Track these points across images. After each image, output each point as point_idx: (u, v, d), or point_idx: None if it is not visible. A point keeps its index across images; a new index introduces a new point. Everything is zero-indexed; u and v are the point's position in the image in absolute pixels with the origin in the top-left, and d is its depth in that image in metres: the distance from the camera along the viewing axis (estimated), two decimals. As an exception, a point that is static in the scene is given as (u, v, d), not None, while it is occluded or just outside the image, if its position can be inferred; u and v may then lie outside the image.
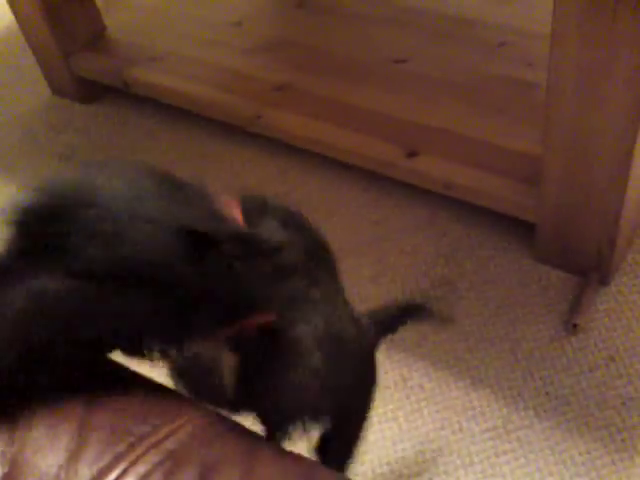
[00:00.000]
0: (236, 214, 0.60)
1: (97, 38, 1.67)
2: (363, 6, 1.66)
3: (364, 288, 1.28)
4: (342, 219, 1.41)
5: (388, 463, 1.07)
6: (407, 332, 1.20)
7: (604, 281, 1.21)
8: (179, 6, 1.74)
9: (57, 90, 1.75)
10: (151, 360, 0.51)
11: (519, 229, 1.30)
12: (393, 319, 0.94)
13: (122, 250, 0.44)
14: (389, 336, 0.92)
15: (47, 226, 0.44)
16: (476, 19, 1.57)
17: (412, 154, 1.31)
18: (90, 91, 1.71)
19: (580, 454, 1.04)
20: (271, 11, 1.74)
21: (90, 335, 0.46)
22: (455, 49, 1.51)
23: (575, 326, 1.16)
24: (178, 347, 0.51)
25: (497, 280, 1.25)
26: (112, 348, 0.50)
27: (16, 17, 1.64)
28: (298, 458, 0.54)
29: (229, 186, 1.51)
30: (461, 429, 1.09)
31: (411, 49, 1.53)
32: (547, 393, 1.11)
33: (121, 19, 1.73)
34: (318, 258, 0.66)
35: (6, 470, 0.42)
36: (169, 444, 0.47)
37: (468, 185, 1.26)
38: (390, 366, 1.17)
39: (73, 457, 0.44)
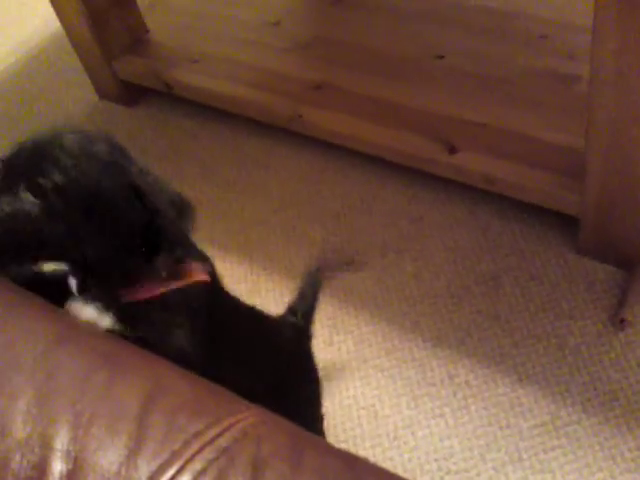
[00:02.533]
0: None
1: (139, 42, 1.70)
2: (400, 1, 1.66)
3: (407, 285, 1.28)
4: (381, 216, 1.41)
5: (436, 459, 1.08)
6: (453, 329, 1.20)
7: (651, 274, 1.20)
8: (219, 8, 1.76)
9: (102, 93, 1.79)
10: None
11: (561, 223, 1.29)
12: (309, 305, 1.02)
13: (79, 178, 0.62)
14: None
15: (25, 159, 0.63)
16: (516, 12, 1.55)
17: (453, 150, 1.31)
18: (133, 94, 1.74)
19: (629, 450, 1.03)
20: (308, 9, 1.75)
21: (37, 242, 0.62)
22: (495, 43, 1.50)
23: (622, 321, 1.14)
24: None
25: (542, 275, 1.24)
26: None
27: (62, 23, 1.67)
28: (342, 453, 0.54)
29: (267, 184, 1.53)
30: (509, 425, 1.09)
31: (450, 44, 1.52)
32: (595, 389, 1.10)
33: (162, 22, 1.75)
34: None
35: (70, 467, 0.43)
36: (222, 441, 0.48)
37: (509, 180, 1.25)
38: (436, 363, 1.17)
39: (132, 454, 0.45)
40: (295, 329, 0.98)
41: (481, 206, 1.37)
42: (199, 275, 0.69)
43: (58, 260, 0.65)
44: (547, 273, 1.25)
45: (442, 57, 1.49)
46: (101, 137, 0.68)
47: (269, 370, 0.87)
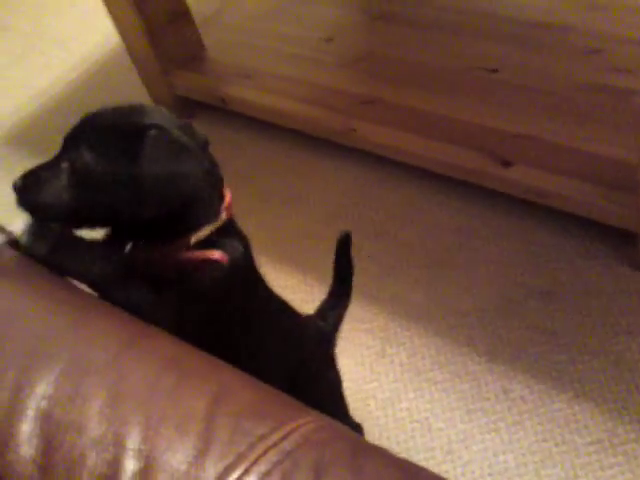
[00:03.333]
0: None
1: (196, 58, 1.74)
2: (451, 16, 1.67)
3: (459, 298, 1.28)
4: (426, 228, 1.41)
5: (490, 474, 1.07)
6: (507, 344, 1.19)
7: None
8: (272, 26, 1.79)
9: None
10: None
11: (614, 237, 1.27)
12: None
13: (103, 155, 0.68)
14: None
15: (70, 135, 0.70)
16: (568, 26, 1.54)
17: (506, 163, 1.30)
18: (189, 108, 1.78)
19: (691, 469, 1.01)
20: (360, 26, 1.77)
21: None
22: (547, 57, 1.49)
23: (683, 337, 1.12)
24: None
25: (597, 290, 1.23)
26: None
27: (122, 39, 1.72)
28: (404, 462, 0.55)
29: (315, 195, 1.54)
30: (564, 441, 1.07)
31: (502, 58, 1.52)
32: (654, 406, 1.08)
33: (218, 39, 1.79)
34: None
35: (142, 465, 0.45)
36: (286, 445, 0.49)
37: (562, 193, 1.24)
38: (491, 378, 1.16)
39: (200, 455, 0.46)
40: (320, 332, 0.99)
41: (528, 219, 1.37)
42: (209, 254, 0.71)
43: (100, 223, 0.72)
44: (602, 288, 1.23)
45: (495, 71, 1.49)
46: (140, 108, 0.73)
47: (284, 363, 0.88)
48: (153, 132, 0.68)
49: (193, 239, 0.71)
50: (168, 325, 0.63)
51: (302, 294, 1.36)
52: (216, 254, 0.71)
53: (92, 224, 0.71)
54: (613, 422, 1.08)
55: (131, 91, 1.88)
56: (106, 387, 0.48)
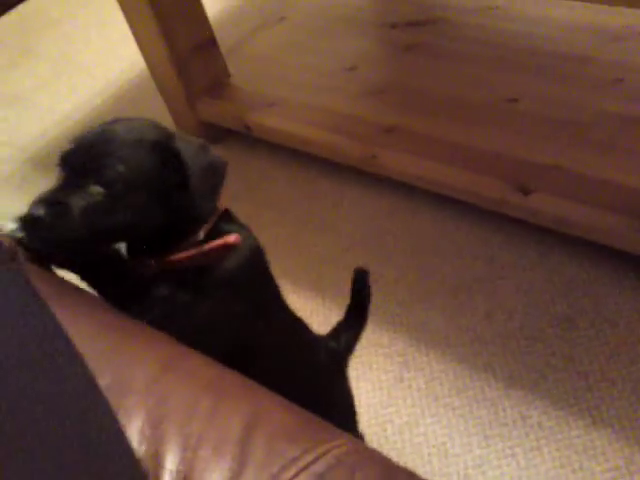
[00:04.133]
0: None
1: (221, 85, 1.78)
2: (474, 48, 1.70)
3: (479, 325, 1.29)
4: (452, 256, 1.43)
5: (508, 500, 1.08)
6: (526, 370, 1.21)
7: None
8: (296, 55, 1.83)
9: (185, 133, 1.86)
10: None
11: (635, 265, 1.29)
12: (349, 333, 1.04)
13: (135, 164, 0.69)
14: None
15: (88, 155, 0.70)
16: (589, 56, 1.57)
17: (526, 191, 1.32)
18: (214, 134, 1.81)
19: None
20: (382, 56, 1.80)
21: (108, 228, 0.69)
22: (568, 87, 1.51)
23: (700, 366, 1.13)
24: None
25: (617, 318, 1.24)
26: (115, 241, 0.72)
27: (148, 66, 1.76)
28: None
29: (339, 224, 1.56)
30: (582, 468, 1.08)
31: (522, 88, 1.54)
32: (671, 434, 1.09)
33: (243, 67, 1.83)
34: None
35: (180, 485, 0.47)
36: (317, 467, 0.51)
37: (582, 222, 1.26)
38: (508, 403, 1.18)
39: (235, 477, 0.49)
40: (331, 350, 0.99)
41: (554, 248, 1.38)
42: (227, 239, 0.73)
43: (124, 240, 0.73)
44: (622, 316, 1.24)
45: (515, 100, 1.52)
46: (149, 122, 0.76)
47: (296, 368, 0.90)
48: (171, 136, 0.73)
49: (202, 233, 0.73)
50: (197, 327, 0.66)
51: (320, 317, 1.39)
52: (231, 237, 0.74)
53: (113, 242, 0.73)
54: (630, 449, 1.09)
55: (156, 117, 1.91)
56: (146, 408, 0.51)
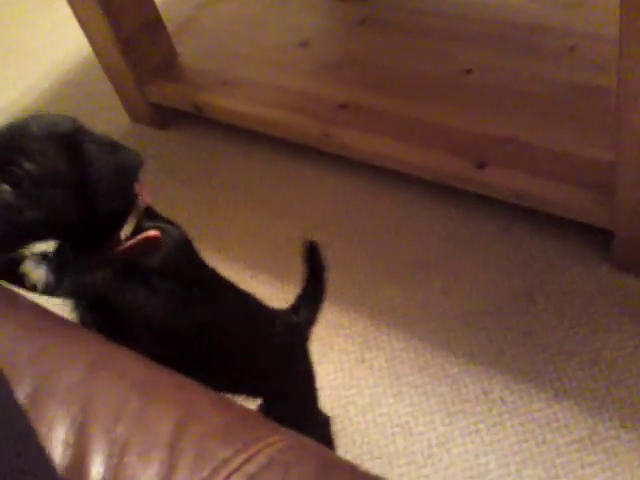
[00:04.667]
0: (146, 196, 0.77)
1: (169, 65, 1.73)
2: (425, 20, 1.67)
3: (438, 302, 1.28)
4: (411, 233, 1.41)
5: (471, 477, 1.07)
6: (486, 346, 1.20)
7: (688, 287, 1.18)
8: (246, 31, 1.78)
9: (134, 116, 1.82)
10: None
11: (594, 237, 1.28)
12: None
13: (45, 162, 0.68)
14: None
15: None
16: (543, 25, 1.54)
17: (482, 165, 1.30)
18: (164, 116, 1.77)
19: (670, 466, 1.01)
20: (335, 30, 1.77)
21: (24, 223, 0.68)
22: (522, 57, 1.49)
23: (659, 334, 1.13)
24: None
25: (575, 290, 1.23)
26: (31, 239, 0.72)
27: (93, 48, 1.71)
28: (372, 478, 0.54)
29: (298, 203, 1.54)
30: (545, 441, 1.08)
31: (476, 59, 1.52)
32: (633, 403, 1.08)
33: (191, 46, 1.78)
34: None
35: (106, 495, 0.45)
36: (249, 468, 0.49)
37: (540, 194, 1.25)
38: (470, 380, 1.17)
39: (165, 482, 0.46)
40: (292, 324, 1.00)
41: (513, 222, 1.37)
42: (149, 233, 0.73)
43: (38, 240, 0.73)
44: (581, 288, 1.24)
45: (469, 72, 1.49)
46: (64, 118, 0.74)
47: (254, 348, 0.91)
48: (84, 133, 0.72)
49: (122, 234, 0.72)
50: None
51: (281, 301, 1.36)
52: (150, 232, 0.73)
53: (26, 242, 0.72)
54: (593, 420, 1.08)
55: (104, 100, 1.87)
56: (70, 414, 0.48)
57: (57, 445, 0.47)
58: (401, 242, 1.40)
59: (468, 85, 1.47)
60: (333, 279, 1.37)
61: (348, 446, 1.14)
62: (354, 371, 1.24)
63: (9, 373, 0.53)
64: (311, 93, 1.56)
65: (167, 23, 1.74)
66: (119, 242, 0.72)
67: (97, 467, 0.46)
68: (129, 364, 0.55)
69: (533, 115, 1.36)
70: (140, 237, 0.72)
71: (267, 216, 1.53)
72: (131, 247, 0.72)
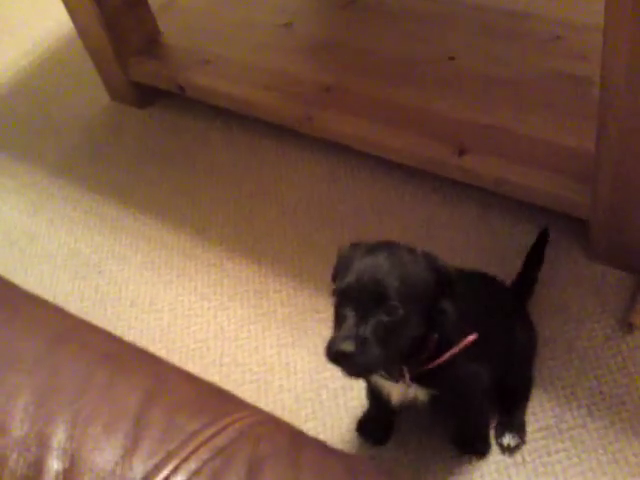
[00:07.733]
0: None
1: (152, 43, 1.71)
2: (411, 4, 1.66)
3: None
4: (391, 218, 1.41)
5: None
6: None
7: (660, 279, 1.19)
8: (230, 10, 1.77)
9: (115, 95, 1.80)
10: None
11: (572, 227, 1.29)
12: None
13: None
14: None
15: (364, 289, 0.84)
16: (528, 13, 1.54)
17: (462, 152, 1.30)
18: (146, 95, 1.75)
19: (634, 454, 1.02)
20: (320, 12, 1.76)
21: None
22: (506, 44, 1.49)
23: (630, 325, 1.14)
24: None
25: (550, 279, 1.24)
26: None
27: (75, 25, 1.69)
28: (341, 454, 0.55)
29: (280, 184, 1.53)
30: (513, 428, 1.09)
31: (460, 45, 1.52)
32: (601, 392, 1.10)
33: (175, 24, 1.76)
34: None
35: (66, 466, 0.44)
36: (218, 441, 0.49)
37: (519, 182, 1.25)
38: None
39: (128, 454, 0.46)
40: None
41: (491, 209, 1.37)
42: (469, 339, 0.90)
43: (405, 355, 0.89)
44: (556, 276, 1.24)
45: (453, 58, 1.49)
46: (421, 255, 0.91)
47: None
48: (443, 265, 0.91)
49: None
50: None
51: (256, 285, 1.36)
52: (471, 337, 0.91)
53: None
54: (561, 408, 1.09)
55: (85, 78, 1.85)
56: (33, 384, 0.48)
57: (16, 414, 0.46)
58: (379, 225, 1.40)
59: (452, 71, 1.47)
60: (308, 263, 1.38)
61: (319, 428, 1.15)
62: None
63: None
64: (294, 75, 1.55)
65: (150, 1, 1.72)
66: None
67: (58, 437, 0.46)
68: (97, 336, 0.55)
69: (516, 103, 1.36)
70: (463, 343, 0.90)
71: (246, 199, 1.52)
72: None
